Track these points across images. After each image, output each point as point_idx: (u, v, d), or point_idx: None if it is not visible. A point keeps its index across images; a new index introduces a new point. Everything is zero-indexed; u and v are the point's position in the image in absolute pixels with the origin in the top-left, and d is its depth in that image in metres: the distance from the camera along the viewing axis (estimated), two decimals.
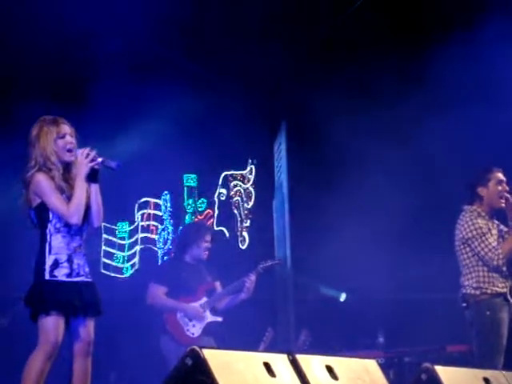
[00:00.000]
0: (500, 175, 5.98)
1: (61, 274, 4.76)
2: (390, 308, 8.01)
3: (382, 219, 7.83)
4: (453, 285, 7.18)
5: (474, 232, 5.91)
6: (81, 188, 4.79)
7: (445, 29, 7.48)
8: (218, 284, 7.05)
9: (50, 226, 4.79)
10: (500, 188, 5.96)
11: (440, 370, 4.52)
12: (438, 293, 7.89)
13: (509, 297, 5.88)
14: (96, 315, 4.86)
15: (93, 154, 4.81)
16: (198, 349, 3.81)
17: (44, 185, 4.77)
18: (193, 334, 6.86)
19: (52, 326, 4.69)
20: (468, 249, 5.93)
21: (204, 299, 6.94)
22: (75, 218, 4.76)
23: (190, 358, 3.81)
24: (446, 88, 7.45)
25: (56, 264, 4.75)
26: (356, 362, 4.56)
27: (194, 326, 6.87)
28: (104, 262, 8.87)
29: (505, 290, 5.88)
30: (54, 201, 4.76)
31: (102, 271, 8.77)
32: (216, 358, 3.82)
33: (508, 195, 5.96)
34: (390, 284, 8.08)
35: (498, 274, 5.88)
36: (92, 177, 4.82)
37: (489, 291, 5.86)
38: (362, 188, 7.87)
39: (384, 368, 4.95)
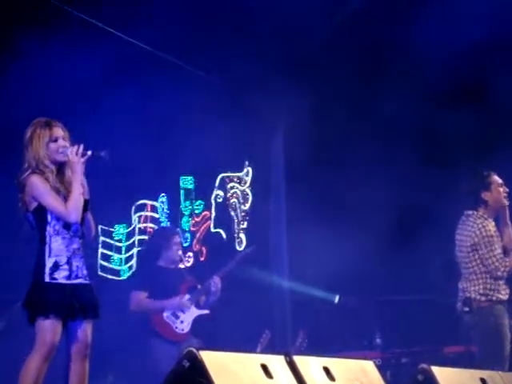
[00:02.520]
0: (498, 178, 6.09)
1: (60, 276, 4.77)
2: (387, 309, 8.01)
3: (380, 219, 7.84)
4: (450, 286, 7.21)
5: (486, 239, 6.02)
6: (77, 186, 4.82)
7: None
8: (198, 285, 7.16)
9: (49, 228, 4.80)
10: (502, 189, 6.12)
11: (437, 370, 4.53)
12: (436, 294, 7.90)
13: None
14: (94, 318, 4.88)
15: (81, 149, 4.84)
16: (195, 351, 3.81)
17: (39, 186, 4.79)
18: (182, 329, 6.97)
19: (50, 328, 4.70)
20: (477, 255, 6.01)
21: (186, 296, 7.04)
22: (74, 216, 4.78)
23: (187, 360, 3.82)
24: None
25: (56, 266, 4.76)
26: (353, 363, 4.57)
27: (182, 322, 6.97)
28: (101, 265, 8.86)
29: (506, 297, 6.04)
30: (52, 201, 4.78)
31: (100, 273, 8.77)
32: (213, 360, 3.83)
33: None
34: (387, 285, 8.09)
35: (502, 281, 6.02)
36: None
37: (494, 298, 6.01)
38: (360, 188, 7.88)
39: (381, 369, 4.97)
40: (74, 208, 4.78)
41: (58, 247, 4.79)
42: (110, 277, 8.82)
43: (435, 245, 7.69)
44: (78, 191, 4.80)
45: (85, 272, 4.87)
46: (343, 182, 8.05)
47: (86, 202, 4.90)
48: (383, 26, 7.76)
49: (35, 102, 7.16)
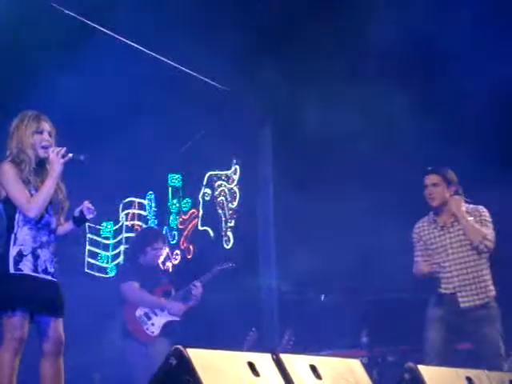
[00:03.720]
0: (425, 180, 6.24)
1: (26, 267, 4.73)
2: (373, 307, 8.02)
3: (367, 216, 7.85)
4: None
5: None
6: (50, 184, 4.83)
7: None
8: (172, 289, 7.18)
9: (17, 217, 4.79)
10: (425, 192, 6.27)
11: (423, 369, 4.54)
12: (422, 292, 7.92)
13: None
14: (59, 316, 4.85)
15: (63, 151, 4.87)
16: (182, 348, 3.82)
17: (8, 175, 4.80)
18: (152, 332, 6.99)
19: (18, 324, 4.69)
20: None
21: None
22: (33, 212, 4.77)
23: (174, 357, 3.82)
24: None
25: (20, 256, 4.73)
26: (340, 361, 4.58)
27: (152, 324, 7.00)
28: (88, 262, 8.86)
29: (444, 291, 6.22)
30: (15, 191, 4.78)
31: (86, 271, 8.76)
32: (200, 358, 3.83)
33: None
34: (374, 283, 8.10)
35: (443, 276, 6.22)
36: (79, 223, 4.97)
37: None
38: (349, 187, 7.88)
39: (368, 367, 4.98)
40: (37, 203, 4.78)
41: (23, 237, 4.77)
42: (97, 274, 8.81)
43: None
44: (48, 189, 4.81)
45: (52, 269, 4.85)
46: (332, 178, 8.05)
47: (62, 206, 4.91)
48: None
49: None
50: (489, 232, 6.08)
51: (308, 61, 7.92)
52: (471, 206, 6.22)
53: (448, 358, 5.82)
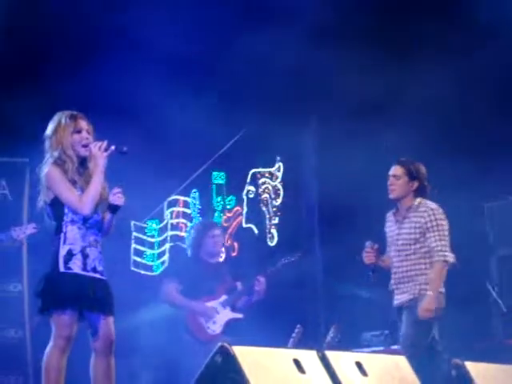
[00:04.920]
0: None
1: (75, 266, 4.76)
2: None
3: None
4: (477, 281, 7.17)
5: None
6: (97, 180, 4.82)
7: None
8: (238, 284, 7.12)
9: (65, 218, 4.81)
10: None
11: (470, 366, 4.52)
12: (466, 289, 7.86)
13: None
14: (110, 314, 4.86)
15: (104, 144, 4.87)
16: (227, 346, 3.83)
17: (55, 177, 4.80)
18: (214, 331, 6.93)
19: (67, 322, 4.72)
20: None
21: (224, 297, 7.02)
22: (86, 209, 4.78)
23: (219, 355, 3.84)
24: None
25: (70, 255, 4.76)
26: (386, 358, 4.57)
27: (214, 323, 6.94)
28: (134, 260, 8.91)
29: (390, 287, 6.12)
30: (65, 192, 4.79)
31: (132, 269, 8.82)
32: (246, 355, 3.85)
33: None
34: None
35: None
36: (113, 210, 4.91)
37: None
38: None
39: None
40: (88, 201, 4.78)
41: (73, 236, 4.80)
42: (142, 272, 8.86)
43: None
44: (97, 185, 4.81)
45: (101, 268, 4.87)
46: (375, 175, 7.99)
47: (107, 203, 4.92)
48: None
49: None
50: (440, 244, 5.86)
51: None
52: (426, 204, 5.98)
53: None
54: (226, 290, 7.04)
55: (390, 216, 6.20)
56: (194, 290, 6.96)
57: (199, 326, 6.92)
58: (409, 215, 5.99)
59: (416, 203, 6.01)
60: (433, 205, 5.99)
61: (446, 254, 5.85)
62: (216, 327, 6.93)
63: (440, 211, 5.97)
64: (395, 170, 6.07)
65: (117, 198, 4.87)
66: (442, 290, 5.90)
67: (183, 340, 6.95)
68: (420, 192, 6.03)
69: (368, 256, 6.06)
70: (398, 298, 5.98)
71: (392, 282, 6.03)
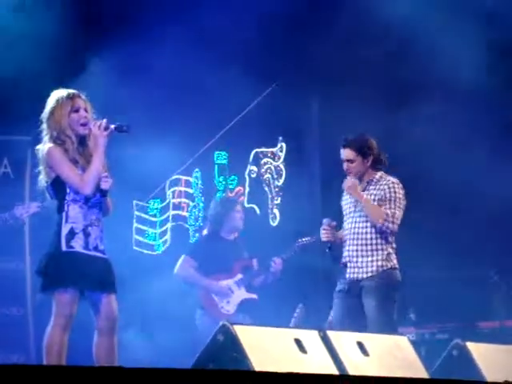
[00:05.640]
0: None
1: (77, 245, 4.76)
2: (421, 284, 7.98)
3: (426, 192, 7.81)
4: (484, 262, 7.16)
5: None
6: (98, 160, 4.81)
7: None
8: (254, 261, 7.12)
9: (67, 197, 4.81)
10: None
11: (472, 346, 4.52)
12: (469, 270, 7.86)
13: None
14: (112, 292, 4.86)
15: (104, 123, 4.85)
16: (228, 325, 3.84)
17: (56, 157, 4.79)
18: (228, 311, 6.93)
19: (69, 301, 4.73)
20: None
21: (239, 276, 7.03)
22: (88, 188, 4.77)
23: (221, 334, 3.84)
24: None
25: (72, 233, 4.76)
26: (387, 338, 4.57)
27: (228, 302, 6.94)
28: (136, 239, 8.91)
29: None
30: (67, 171, 4.78)
31: (134, 248, 8.82)
32: (247, 334, 3.85)
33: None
34: (422, 261, 8.05)
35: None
36: (103, 193, 4.87)
37: None
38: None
39: (415, 344, 4.96)
40: (89, 180, 4.77)
41: (75, 215, 4.79)
42: (144, 251, 8.86)
43: (469, 221, 7.67)
44: (98, 164, 4.80)
45: (102, 246, 4.87)
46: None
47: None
48: None
49: None
50: (391, 212, 5.82)
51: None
52: (387, 177, 5.94)
53: (352, 328, 5.41)
54: (242, 268, 7.05)
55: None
56: (210, 266, 6.97)
57: (213, 304, 6.94)
58: (369, 188, 5.95)
59: (377, 177, 5.96)
60: (394, 179, 5.94)
61: (392, 225, 5.81)
62: (230, 307, 6.95)
63: (400, 186, 5.93)
64: (346, 153, 5.96)
65: (103, 182, 4.85)
66: (396, 265, 5.90)
67: (196, 315, 6.96)
68: (377, 164, 5.97)
69: (326, 233, 6.02)
70: (354, 272, 5.91)
71: (346, 254, 5.96)
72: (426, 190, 7.96)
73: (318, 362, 4.06)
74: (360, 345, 4.29)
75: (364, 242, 5.88)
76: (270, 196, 9.09)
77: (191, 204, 9.05)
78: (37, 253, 5.68)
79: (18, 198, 7.31)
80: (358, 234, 5.91)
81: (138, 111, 7.36)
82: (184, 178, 9.13)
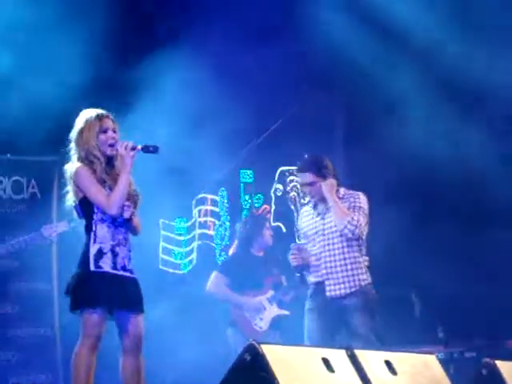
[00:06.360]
0: None
1: (106, 265, 4.78)
2: (450, 302, 7.93)
3: (442, 221, 7.77)
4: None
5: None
6: (125, 180, 4.83)
7: None
8: (283, 278, 7.13)
9: (95, 217, 4.83)
10: None
11: (501, 364, 4.47)
12: (498, 288, 7.81)
13: None
14: (139, 312, 4.88)
15: (131, 144, 4.87)
16: (256, 344, 3.82)
17: (84, 177, 4.82)
18: (261, 327, 6.95)
19: (97, 322, 4.73)
20: None
21: (271, 292, 7.05)
22: (114, 208, 4.79)
23: (248, 353, 3.83)
24: None
25: (100, 253, 4.78)
26: (415, 357, 4.53)
27: (261, 319, 6.96)
28: (162, 258, 8.93)
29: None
30: (95, 191, 4.81)
31: (161, 267, 8.84)
32: (275, 354, 3.83)
33: None
34: (451, 279, 8.00)
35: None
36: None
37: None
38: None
39: (444, 363, 4.92)
40: (116, 200, 4.79)
41: (103, 234, 4.82)
42: (170, 270, 8.87)
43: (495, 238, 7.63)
44: (124, 184, 4.82)
45: (130, 266, 4.89)
46: (403, 182, 7.98)
47: (134, 200, 4.93)
48: None
49: None
50: (356, 217, 5.86)
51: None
52: (349, 191, 6.03)
53: (331, 345, 5.48)
54: (273, 285, 7.07)
55: (306, 211, 6.17)
56: (242, 283, 6.99)
57: (245, 321, 6.96)
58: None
59: (342, 193, 6.02)
60: (357, 192, 6.03)
61: (355, 229, 5.84)
62: (263, 324, 6.97)
63: (364, 197, 6.02)
64: (305, 178, 6.02)
65: (125, 211, 4.87)
66: (370, 281, 5.95)
67: (228, 332, 6.96)
68: (336, 181, 6.02)
69: (295, 258, 6.06)
70: (336, 288, 5.93)
71: (321, 273, 5.97)
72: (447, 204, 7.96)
73: (346, 381, 4.03)
74: (388, 364, 4.26)
75: (342, 256, 5.93)
76: (295, 214, 9.08)
77: (217, 223, 9.06)
78: (64, 273, 5.71)
79: (45, 218, 7.35)
80: (333, 250, 5.96)
81: (163, 130, 7.41)
82: (210, 196, 9.15)
